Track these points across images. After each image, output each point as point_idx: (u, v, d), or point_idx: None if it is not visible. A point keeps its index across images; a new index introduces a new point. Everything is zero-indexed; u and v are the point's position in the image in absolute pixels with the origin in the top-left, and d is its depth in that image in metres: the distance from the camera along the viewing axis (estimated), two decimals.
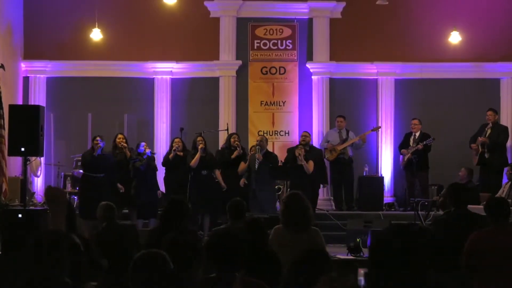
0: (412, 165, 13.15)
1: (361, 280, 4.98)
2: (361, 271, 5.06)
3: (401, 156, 13.81)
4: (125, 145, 12.40)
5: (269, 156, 12.66)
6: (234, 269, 3.92)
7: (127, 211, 12.28)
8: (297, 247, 5.18)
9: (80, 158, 13.22)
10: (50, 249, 3.90)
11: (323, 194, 14.09)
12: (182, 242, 3.81)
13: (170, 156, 12.38)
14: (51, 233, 3.97)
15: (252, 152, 12.74)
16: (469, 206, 6.64)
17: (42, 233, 3.87)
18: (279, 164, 13.05)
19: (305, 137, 13.27)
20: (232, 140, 12.77)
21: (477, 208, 7.92)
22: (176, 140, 12.56)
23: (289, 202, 6.11)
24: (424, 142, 13.36)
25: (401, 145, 13.87)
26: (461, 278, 5.74)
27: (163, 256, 3.48)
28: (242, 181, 12.39)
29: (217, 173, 12.46)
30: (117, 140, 12.43)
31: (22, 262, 3.93)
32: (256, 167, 12.25)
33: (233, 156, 12.46)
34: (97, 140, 12.06)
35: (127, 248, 7.42)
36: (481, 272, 5.71)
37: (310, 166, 12.56)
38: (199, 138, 12.39)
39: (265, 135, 14.09)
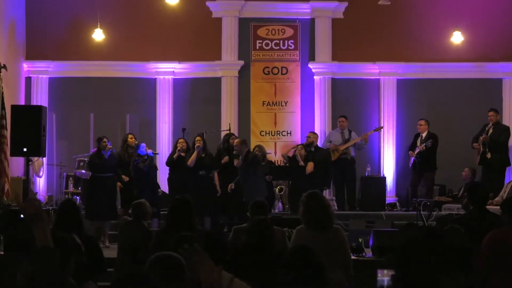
0: (417, 165, 13.17)
1: (386, 280, 4.96)
2: (386, 272, 5.03)
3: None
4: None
5: (247, 157, 11.73)
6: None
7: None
8: (321, 247, 5.10)
9: (82, 159, 13.21)
10: (53, 250, 3.90)
11: (325, 194, 14.06)
12: (186, 242, 3.79)
13: (175, 156, 12.35)
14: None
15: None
16: None
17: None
18: (262, 158, 12.73)
19: (309, 137, 13.22)
20: (231, 141, 12.59)
21: (494, 209, 7.90)
22: (180, 140, 12.54)
23: (309, 202, 6.02)
24: (423, 144, 13.35)
25: (411, 146, 13.84)
26: (475, 279, 5.70)
27: (178, 259, 3.46)
28: (229, 186, 12.01)
29: (215, 176, 12.28)
30: (130, 140, 12.40)
31: (24, 262, 3.91)
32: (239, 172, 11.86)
33: (223, 162, 12.20)
34: (106, 142, 11.74)
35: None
36: (497, 272, 5.67)
37: (309, 167, 12.47)
38: (197, 138, 12.29)
39: (267, 135, 13.95)
